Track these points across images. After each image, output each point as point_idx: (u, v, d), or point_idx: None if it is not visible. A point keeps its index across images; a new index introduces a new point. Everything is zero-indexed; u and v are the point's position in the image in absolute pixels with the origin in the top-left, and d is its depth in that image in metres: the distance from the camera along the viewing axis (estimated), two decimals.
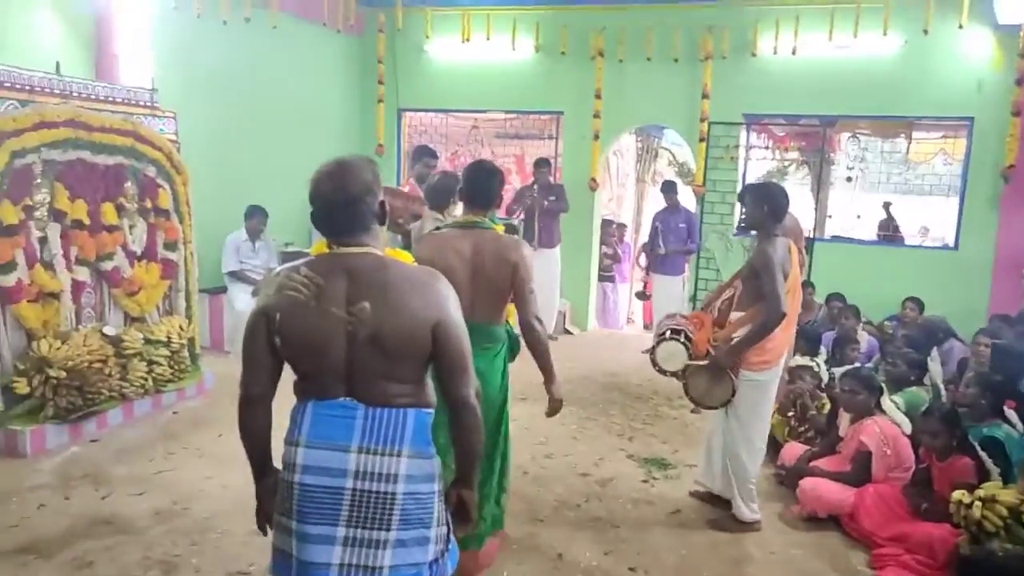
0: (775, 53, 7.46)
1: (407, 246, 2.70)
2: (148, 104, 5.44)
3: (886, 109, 7.51)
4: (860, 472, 3.91)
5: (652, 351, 3.90)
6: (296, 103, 7.88)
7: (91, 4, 5.72)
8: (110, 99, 5.16)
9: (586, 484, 4.39)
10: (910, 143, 8.67)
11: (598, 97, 8.14)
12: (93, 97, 5.02)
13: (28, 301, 4.45)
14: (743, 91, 7.73)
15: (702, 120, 7.85)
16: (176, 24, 6.26)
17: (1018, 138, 6.85)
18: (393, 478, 1.96)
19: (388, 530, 1.96)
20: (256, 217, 6.77)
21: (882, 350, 5.82)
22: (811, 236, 7.80)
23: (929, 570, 3.35)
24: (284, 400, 2.07)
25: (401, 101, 9.02)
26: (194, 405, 5.41)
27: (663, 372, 3.89)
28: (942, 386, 4.74)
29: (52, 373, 4.40)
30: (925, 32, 6.72)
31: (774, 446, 4.82)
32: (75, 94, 4.89)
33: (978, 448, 3.62)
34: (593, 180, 8.39)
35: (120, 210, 5.03)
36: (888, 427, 3.96)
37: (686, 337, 3.83)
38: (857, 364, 5.31)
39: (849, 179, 9.30)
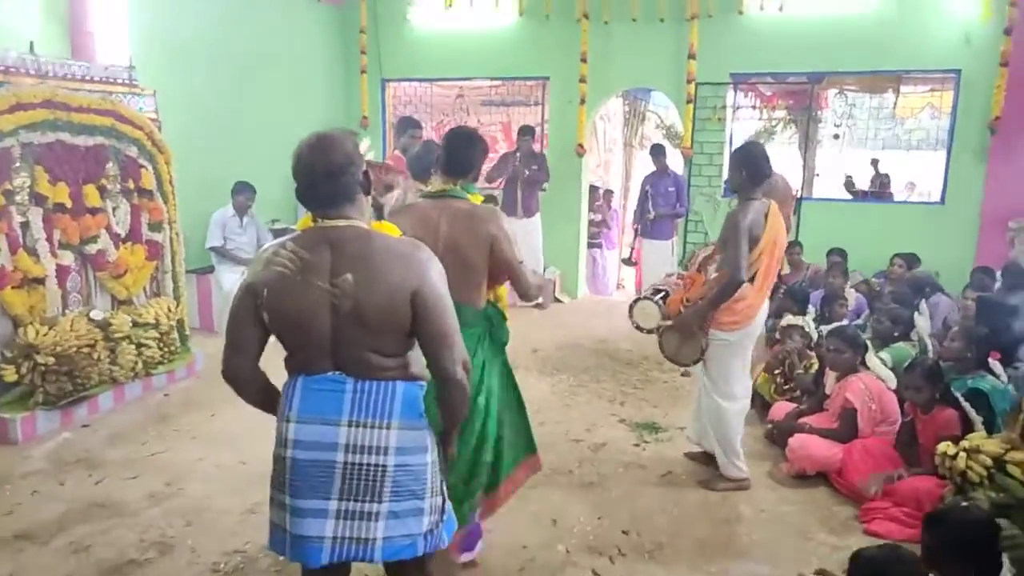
0: (762, 10, 7.38)
1: (379, 219, 2.62)
2: (126, 82, 5.34)
3: (873, 64, 7.45)
4: (847, 428, 3.95)
5: (631, 309, 4.04)
6: (278, 76, 7.77)
7: None
8: (87, 78, 5.06)
9: (579, 450, 4.43)
10: (898, 98, 8.63)
11: (584, 61, 8.05)
12: (70, 76, 4.92)
13: (12, 287, 4.42)
14: (730, 50, 7.65)
15: (689, 81, 7.77)
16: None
17: (1005, 89, 6.80)
18: (384, 450, 1.97)
19: (380, 502, 1.98)
20: (244, 193, 6.71)
21: (871, 306, 5.85)
22: (799, 195, 7.78)
23: (916, 522, 3.38)
24: (278, 377, 2.09)
25: (384, 71, 8.91)
26: (185, 386, 5.42)
27: (640, 329, 4.02)
28: (928, 341, 4.76)
29: (40, 359, 4.38)
30: None
31: (763, 405, 4.88)
32: (51, 74, 4.80)
33: (961, 400, 3.65)
34: (580, 146, 8.33)
35: (103, 192, 4.97)
36: (873, 383, 4.00)
37: (664, 296, 3.96)
38: (845, 321, 5.34)
39: (836, 136, 9.26)
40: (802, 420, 4.25)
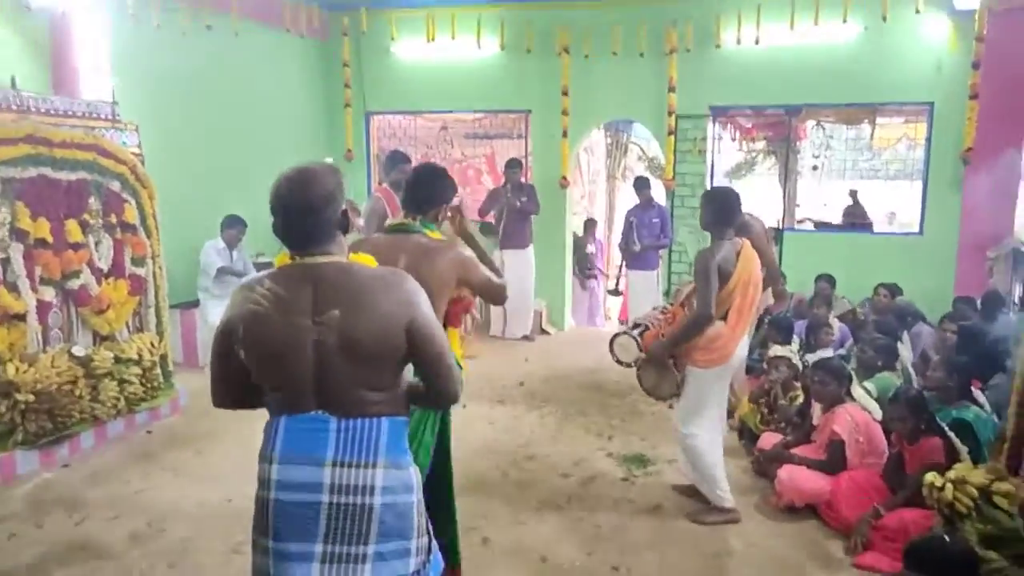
0: (739, 44, 7.51)
1: None
2: (109, 117, 5.35)
3: (849, 96, 7.60)
4: (835, 460, 3.96)
5: (611, 343, 4.12)
6: (262, 111, 7.79)
7: (47, 17, 5.61)
8: (70, 113, 5.06)
9: (567, 485, 4.41)
10: (874, 129, 8.79)
11: (565, 94, 8.15)
12: (52, 112, 4.93)
13: None
14: (709, 83, 7.78)
15: (669, 114, 7.88)
16: (135, 35, 6.16)
17: (975, 121, 6.97)
18: (369, 490, 1.94)
19: (367, 544, 1.94)
20: (235, 227, 6.67)
21: (855, 336, 5.90)
22: (779, 226, 7.88)
23: None
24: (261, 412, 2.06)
25: (368, 104, 8.97)
26: (168, 423, 5.34)
27: (620, 363, 4.11)
28: (912, 371, 4.81)
29: (20, 397, 4.31)
30: (884, 18, 6.81)
31: (751, 436, 4.89)
32: (33, 109, 4.80)
33: (947, 430, 3.68)
34: (564, 178, 8.40)
35: (85, 227, 4.94)
36: (859, 414, 4.02)
37: (643, 331, 4.04)
38: (830, 350, 5.38)
39: (815, 167, 9.40)
40: (790, 452, 4.26)
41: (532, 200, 7.84)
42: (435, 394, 2.09)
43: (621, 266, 8.18)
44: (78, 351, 4.83)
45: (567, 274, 8.81)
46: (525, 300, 7.90)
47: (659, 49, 7.79)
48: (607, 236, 10.81)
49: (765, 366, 5.18)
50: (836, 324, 5.94)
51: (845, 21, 7.02)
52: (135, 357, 5.16)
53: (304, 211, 1.94)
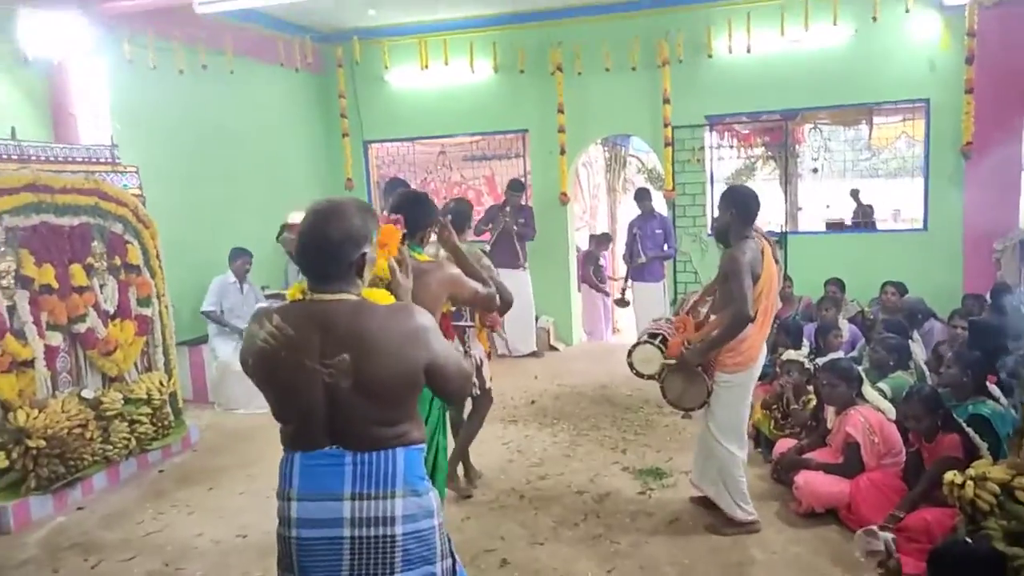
0: (730, 53, 7.54)
1: None
2: (109, 161, 5.40)
3: (844, 98, 7.61)
4: (851, 463, 3.91)
5: (629, 355, 3.98)
6: (260, 145, 7.85)
7: (45, 67, 5.69)
8: (70, 159, 5.11)
9: (583, 502, 4.36)
10: (871, 129, 8.80)
11: (561, 112, 8.19)
12: (52, 159, 4.98)
13: (1, 372, 4.37)
14: (703, 93, 7.80)
15: (666, 125, 7.91)
16: (131, 78, 6.24)
17: (973, 115, 6.96)
18: (391, 520, 1.93)
19: (392, 573, 1.93)
20: (242, 258, 6.72)
21: (866, 336, 5.85)
22: (783, 230, 7.86)
23: None
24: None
25: (366, 133, 9.03)
26: (180, 461, 5.33)
27: (640, 375, 3.96)
28: (925, 368, 4.76)
29: (31, 443, 4.31)
30: (874, 19, 6.83)
31: (766, 443, 4.84)
32: (33, 158, 4.85)
33: (964, 426, 3.63)
34: (564, 194, 8.42)
35: (89, 270, 4.96)
36: (873, 415, 3.97)
37: (662, 340, 3.88)
38: (840, 353, 5.34)
39: (815, 170, 9.40)
40: (806, 455, 4.21)
41: (529, 224, 7.86)
42: (444, 398, 2.19)
43: (626, 276, 8.17)
44: (88, 394, 4.84)
45: (573, 289, 8.80)
46: (525, 316, 7.86)
47: (651, 62, 7.83)
48: (611, 248, 10.81)
49: (777, 371, 5.13)
50: (846, 326, 5.90)
51: (835, 24, 7.05)
52: (145, 397, 5.16)
53: (321, 245, 1.92)
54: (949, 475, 3.30)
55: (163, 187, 6.07)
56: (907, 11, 6.75)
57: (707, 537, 3.85)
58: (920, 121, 7.55)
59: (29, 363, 4.53)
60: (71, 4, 5.54)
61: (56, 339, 4.73)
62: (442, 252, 3.91)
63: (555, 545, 3.84)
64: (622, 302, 8.52)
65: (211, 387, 6.69)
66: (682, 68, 7.75)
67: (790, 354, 5.07)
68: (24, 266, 4.53)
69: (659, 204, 8.34)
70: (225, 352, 6.54)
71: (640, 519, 4.10)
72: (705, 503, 4.13)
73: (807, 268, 7.25)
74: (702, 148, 7.98)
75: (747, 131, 9.18)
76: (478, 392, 4.44)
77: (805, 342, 5.59)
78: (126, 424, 4.98)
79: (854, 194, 9.41)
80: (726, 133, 8.69)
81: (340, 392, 1.88)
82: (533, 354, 8.03)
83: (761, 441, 4.93)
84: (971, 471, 3.24)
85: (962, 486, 3.20)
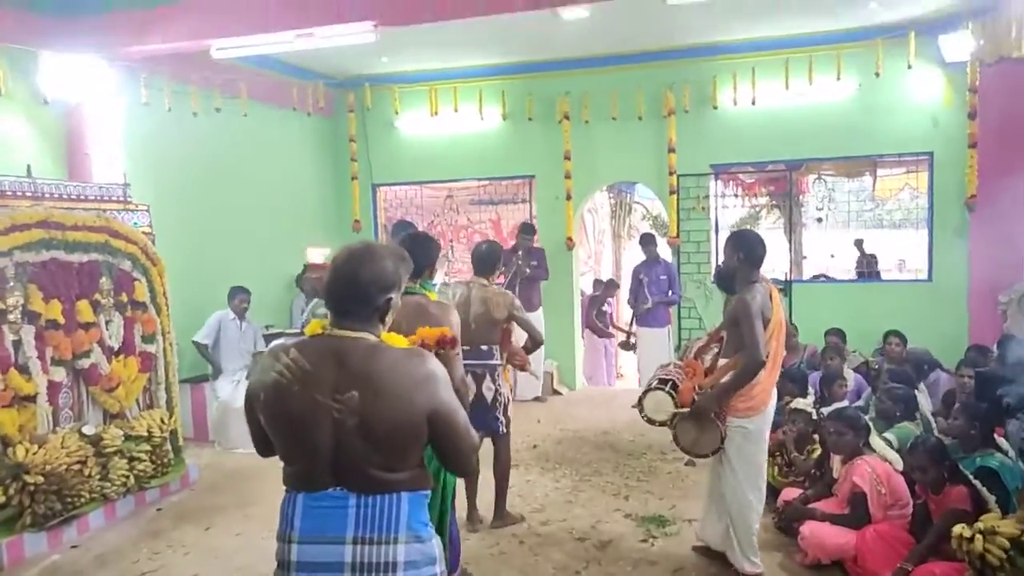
0: (735, 104, 7.67)
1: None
2: (121, 199, 5.47)
3: (848, 150, 7.70)
4: (858, 514, 3.85)
5: (640, 402, 3.93)
6: (271, 187, 7.96)
7: (63, 108, 5.82)
8: (82, 197, 5.19)
9: (585, 549, 4.29)
10: (875, 180, 8.87)
11: (568, 159, 8.30)
12: (65, 196, 5.06)
13: (2, 407, 4.35)
14: (708, 142, 7.91)
15: (671, 173, 8.00)
16: (147, 118, 6.37)
17: (977, 169, 7.03)
18: (392, 566, 1.90)
19: None
20: (239, 296, 6.74)
21: (872, 386, 5.80)
22: (788, 278, 7.88)
23: None
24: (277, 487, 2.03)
25: (375, 177, 9.15)
26: (179, 499, 5.28)
27: (652, 422, 3.91)
28: (932, 419, 4.71)
29: (29, 479, 4.28)
30: (877, 74, 6.95)
31: (770, 491, 4.76)
32: (47, 195, 4.93)
33: (971, 478, 3.58)
34: (569, 239, 8.48)
35: (96, 306, 4.99)
36: (879, 465, 3.92)
37: (672, 387, 3.84)
38: (845, 402, 5.29)
39: (820, 219, 9.46)
40: (812, 505, 4.15)
41: (542, 266, 7.90)
42: (448, 467, 2.07)
43: (632, 322, 8.17)
44: (88, 430, 4.82)
45: (576, 334, 8.79)
46: (536, 363, 7.84)
47: (657, 112, 7.95)
48: (615, 294, 10.84)
49: (784, 418, 5.08)
50: (851, 375, 5.85)
51: (839, 79, 7.18)
52: (145, 434, 5.14)
53: (349, 284, 1.94)
54: (958, 528, 3.24)
55: (173, 226, 6.15)
56: (910, 67, 6.87)
57: None
58: (923, 173, 7.62)
59: (31, 398, 4.52)
60: (91, 48, 5.69)
61: (60, 374, 4.73)
62: (451, 292, 4.04)
63: None
64: (629, 346, 8.50)
65: (212, 426, 6.65)
66: (688, 118, 7.87)
67: (798, 402, 5.03)
68: (32, 301, 4.56)
69: (663, 251, 8.39)
70: (226, 391, 6.52)
71: (642, 567, 4.03)
72: (709, 553, 4.06)
73: (812, 317, 7.24)
74: (707, 196, 8.05)
75: (752, 180, 9.26)
76: (505, 430, 4.48)
77: (811, 390, 5.55)
78: (125, 461, 4.95)
79: (858, 244, 9.45)
80: (731, 182, 8.77)
81: (346, 432, 1.87)
82: (536, 399, 7.99)
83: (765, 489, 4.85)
84: (980, 525, 3.18)
85: (971, 540, 3.15)
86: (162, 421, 5.33)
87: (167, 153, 6.58)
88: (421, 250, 3.43)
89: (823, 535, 3.85)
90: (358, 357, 1.91)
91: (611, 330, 9.54)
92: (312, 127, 8.67)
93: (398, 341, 2.05)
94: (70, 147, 5.94)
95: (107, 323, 5.09)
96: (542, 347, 7.89)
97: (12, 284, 4.48)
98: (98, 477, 4.74)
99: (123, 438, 4.97)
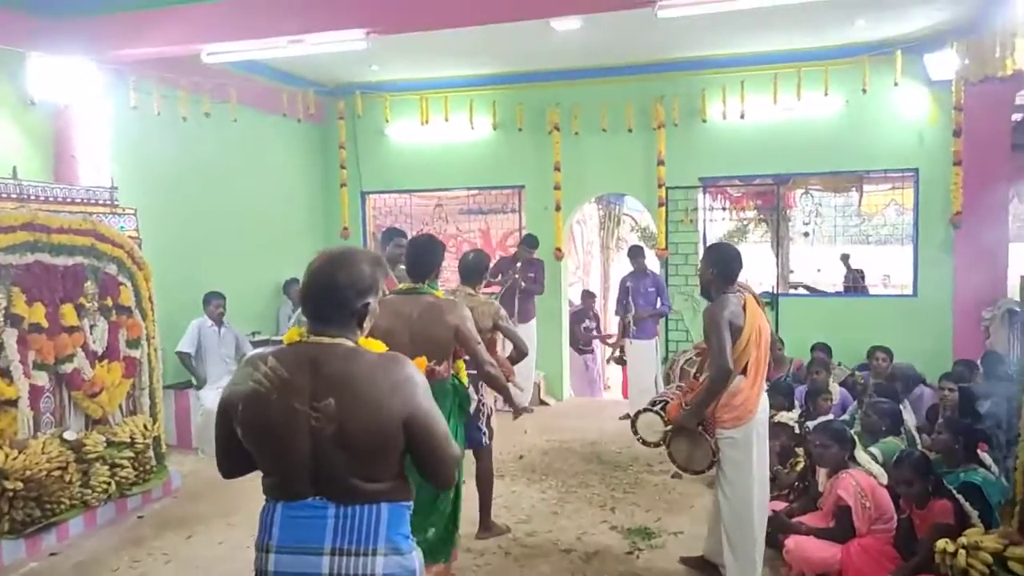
0: (724, 118, 7.72)
1: None
2: (107, 202, 5.43)
3: (835, 165, 7.78)
4: (843, 527, 3.86)
5: (633, 424, 4.03)
6: (260, 193, 7.92)
7: (50, 110, 5.77)
8: (68, 200, 5.15)
9: (570, 561, 4.28)
10: (861, 196, 8.95)
11: (557, 169, 8.32)
12: (52, 199, 5.02)
13: None
14: (697, 156, 7.96)
15: (659, 186, 8.04)
16: (136, 122, 6.32)
17: (961, 186, 7.11)
18: None
19: None
20: (213, 302, 6.66)
21: (858, 400, 5.83)
22: (775, 291, 7.92)
23: None
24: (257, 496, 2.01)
25: (364, 184, 9.14)
26: (161, 507, 5.21)
27: (647, 444, 4.02)
28: (916, 434, 4.74)
29: (8, 485, 4.22)
30: (864, 91, 7.03)
31: None
32: (33, 197, 4.88)
33: (955, 493, 3.60)
34: (558, 250, 8.49)
35: (80, 310, 4.93)
36: (864, 479, 3.94)
37: (663, 407, 3.88)
38: (830, 416, 5.32)
39: (806, 234, 9.53)
40: (797, 519, 4.16)
41: (539, 280, 7.87)
42: (428, 477, 1.99)
43: (621, 334, 8.16)
44: (70, 435, 4.75)
45: (564, 344, 8.79)
46: (528, 373, 7.82)
47: (647, 124, 8.00)
48: (603, 306, 10.85)
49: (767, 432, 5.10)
50: (836, 389, 5.89)
51: (827, 94, 7.25)
52: (128, 440, 5.08)
53: (324, 289, 1.92)
54: (941, 543, 3.26)
55: (160, 230, 6.10)
56: (896, 84, 6.95)
57: None
58: (909, 190, 7.70)
59: (12, 402, 4.46)
60: (80, 50, 5.66)
61: (42, 379, 4.68)
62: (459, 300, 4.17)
63: None
64: (620, 360, 8.49)
65: (196, 433, 6.59)
66: (677, 131, 7.92)
67: (782, 416, 5.05)
68: (15, 304, 4.50)
69: (651, 263, 8.41)
70: (210, 399, 6.45)
71: None
72: (696, 564, 4.06)
73: (798, 330, 7.29)
74: (695, 209, 8.09)
75: (739, 194, 9.33)
76: (487, 441, 4.48)
77: (796, 404, 5.58)
78: (107, 468, 4.89)
79: (844, 259, 9.52)
80: (719, 195, 8.82)
81: (324, 440, 1.84)
82: (524, 409, 7.94)
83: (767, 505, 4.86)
84: (963, 540, 3.20)
85: (955, 555, 3.17)
86: (145, 427, 5.27)
87: (155, 157, 6.54)
88: (430, 252, 3.69)
89: (808, 548, 3.85)
90: (335, 363, 1.88)
91: (590, 347, 9.50)
92: (302, 134, 8.65)
93: (376, 346, 2.03)
94: (57, 149, 5.89)
95: (91, 327, 5.04)
96: (532, 358, 7.95)
97: None
98: (79, 483, 4.68)
99: (105, 444, 4.91)
